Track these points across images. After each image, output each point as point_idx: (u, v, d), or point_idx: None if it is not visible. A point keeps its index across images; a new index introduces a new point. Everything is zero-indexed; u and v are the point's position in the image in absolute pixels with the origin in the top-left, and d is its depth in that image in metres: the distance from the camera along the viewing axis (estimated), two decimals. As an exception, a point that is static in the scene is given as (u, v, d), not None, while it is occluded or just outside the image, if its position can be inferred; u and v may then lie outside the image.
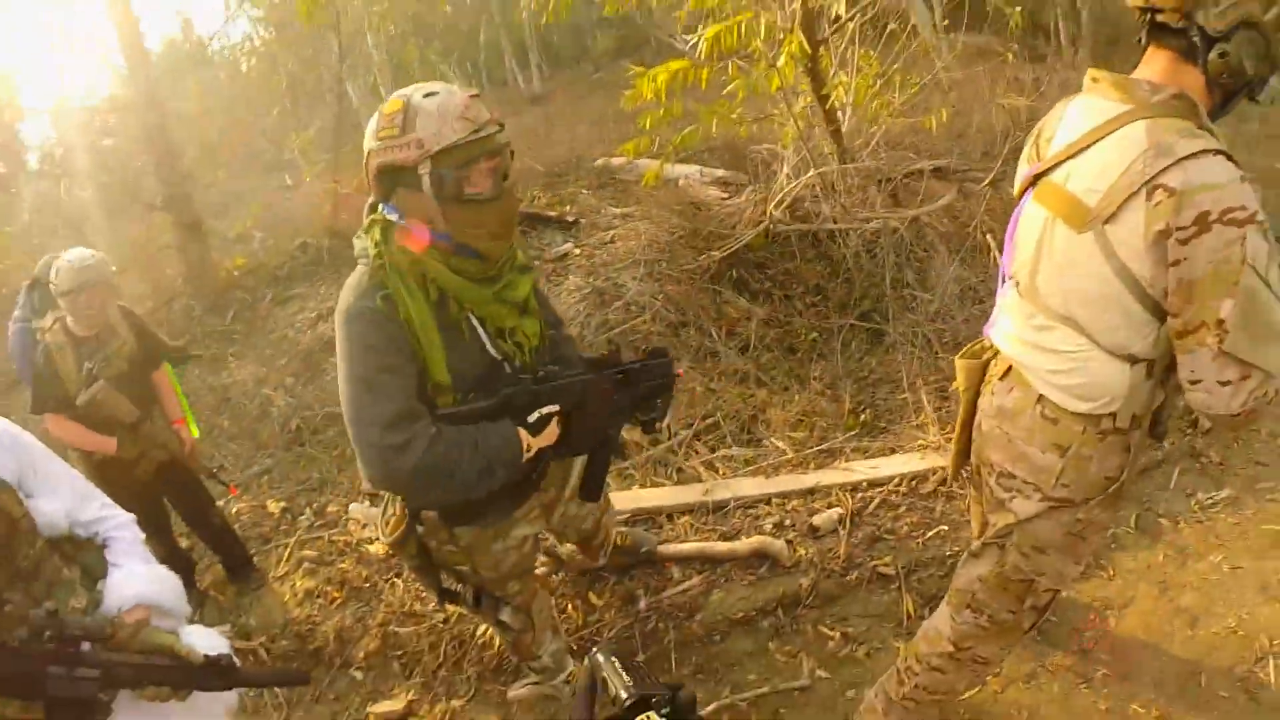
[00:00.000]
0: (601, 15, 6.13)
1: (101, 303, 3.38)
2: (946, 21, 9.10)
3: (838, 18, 4.64)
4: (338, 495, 4.66)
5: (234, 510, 4.60)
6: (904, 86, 5.53)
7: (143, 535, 2.10)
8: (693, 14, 5.27)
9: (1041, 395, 1.87)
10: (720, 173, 6.98)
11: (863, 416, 4.35)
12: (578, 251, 6.05)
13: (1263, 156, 8.25)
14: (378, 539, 3.08)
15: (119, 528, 2.04)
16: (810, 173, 5.00)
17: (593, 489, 2.45)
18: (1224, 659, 2.78)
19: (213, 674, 1.90)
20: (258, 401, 6.23)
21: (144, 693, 1.81)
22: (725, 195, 6.33)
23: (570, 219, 6.62)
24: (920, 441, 3.92)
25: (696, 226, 5.62)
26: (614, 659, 2.62)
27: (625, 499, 3.73)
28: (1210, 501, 3.49)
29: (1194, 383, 1.61)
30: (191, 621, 2.11)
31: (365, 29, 9.55)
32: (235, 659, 2.00)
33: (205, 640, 2.03)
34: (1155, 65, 1.69)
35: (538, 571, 3.20)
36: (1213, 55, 1.59)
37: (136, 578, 1.95)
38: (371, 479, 1.94)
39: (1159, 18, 1.64)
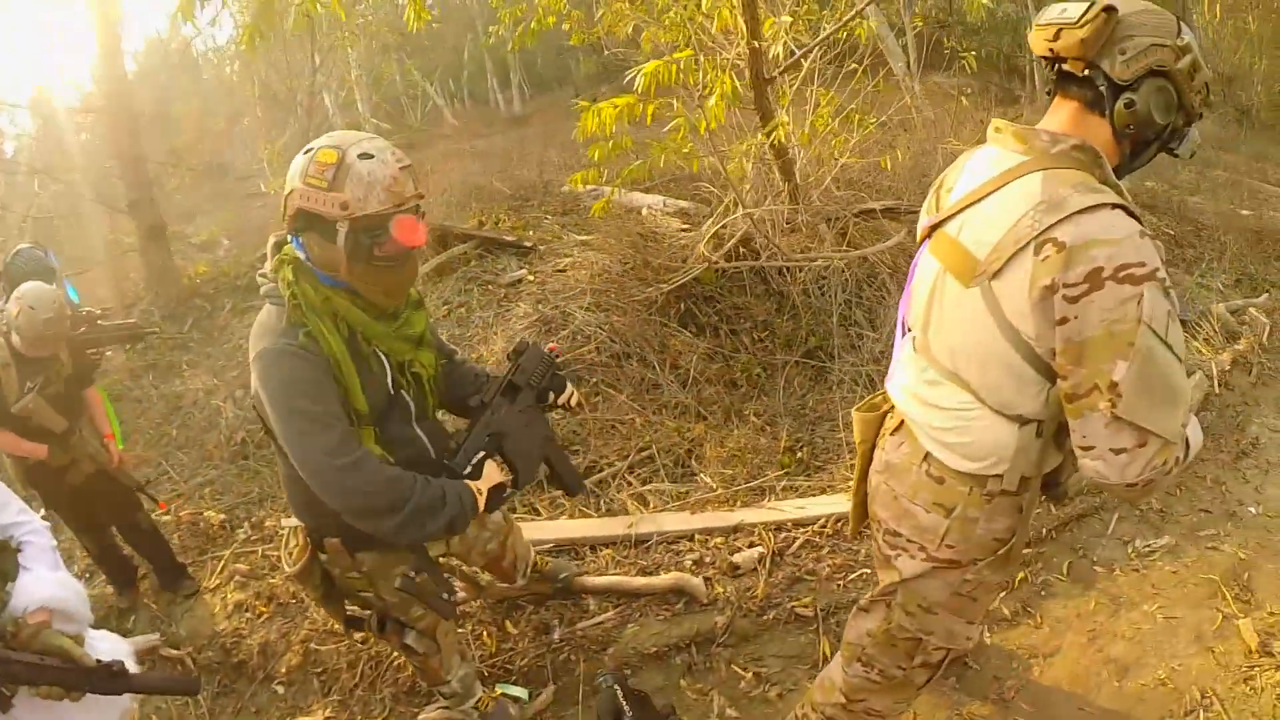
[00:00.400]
0: (586, 41, 6.17)
1: (56, 346, 3.55)
2: (902, 63, 9.18)
3: (790, 55, 4.67)
4: (276, 510, 4.64)
5: (179, 516, 4.59)
6: (862, 125, 5.57)
7: (54, 542, 2.16)
8: (656, 46, 5.36)
9: (928, 453, 1.82)
10: (683, 204, 6.99)
11: (799, 454, 4.35)
12: (531, 278, 6.05)
13: (1227, 202, 8.40)
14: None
15: (33, 534, 2.10)
16: (739, 212, 5.02)
17: (570, 485, 2.57)
18: (1151, 712, 2.76)
19: (103, 677, 1.95)
20: (207, 412, 6.21)
21: (38, 691, 1.87)
22: (686, 226, 6.34)
23: (527, 244, 6.62)
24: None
25: (647, 258, 5.63)
26: (617, 687, 2.72)
27: (549, 529, 3.75)
28: (1148, 549, 3.48)
29: (1086, 449, 1.52)
30: (124, 629, 2.14)
31: (342, 43, 9.55)
32: (135, 664, 2.10)
33: (107, 645, 2.16)
34: (1061, 115, 1.64)
35: (456, 597, 3.25)
36: (1119, 105, 1.53)
37: (43, 582, 2.00)
38: (332, 502, 1.98)
39: (1064, 66, 1.60)
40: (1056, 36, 1.56)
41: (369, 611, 2.50)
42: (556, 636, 3.21)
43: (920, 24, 6.99)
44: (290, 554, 2.33)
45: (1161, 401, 1.45)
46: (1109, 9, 1.50)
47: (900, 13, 10.89)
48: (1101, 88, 1.55)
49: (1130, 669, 2.93)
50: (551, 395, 2.53)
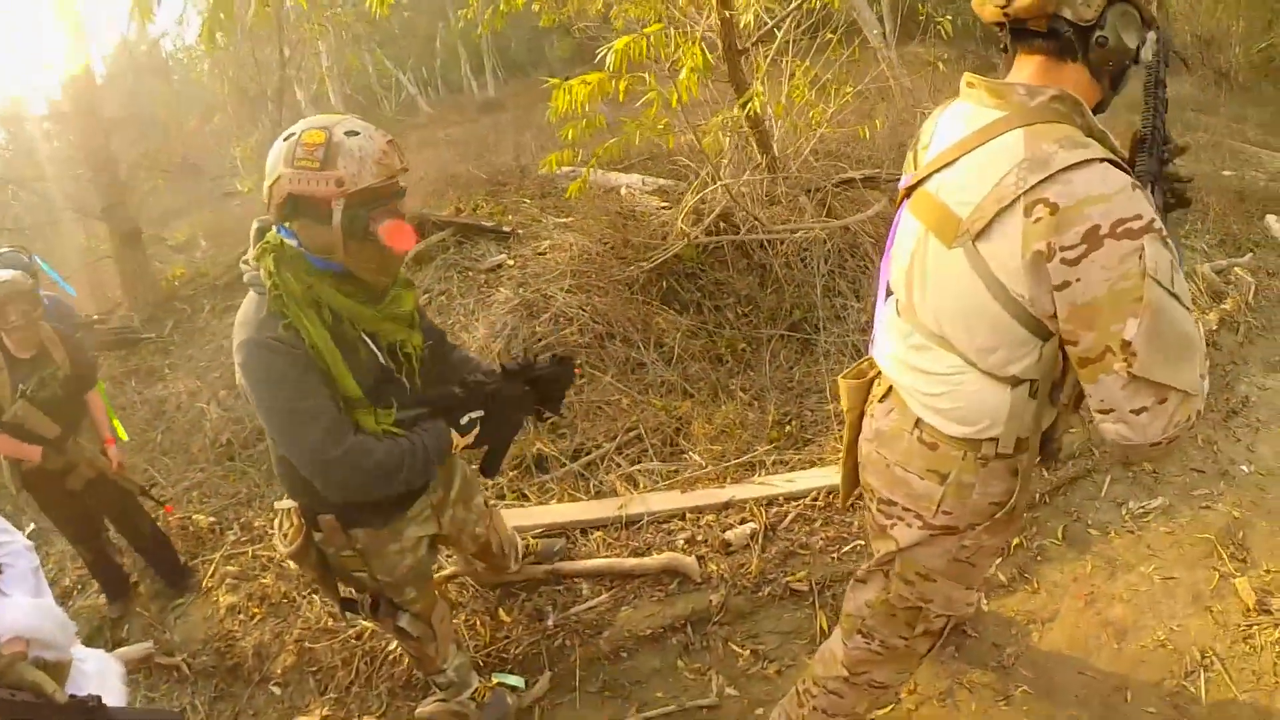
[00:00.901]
0: (558, 22, 6.09)
1: (26, 318, 3.41)
2: (877, 31, 9.11)
3: (760, 26, 4.62)
4: (265, 509, 4.60)
5: (168, 522, 4.53)
6: (839, 95, 5.52)
7: (37, 562, 2.15)
8: (629, 23, 5.29)
9: (919, 419, 1.78)
10: (662, 182, 6.92)
11: (788, 428, 4.33)
12: (511, 263, 5.99)
13: (1208, 163, 8.40)
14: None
15: (14, 555, 2.09)
16: (717, 184, 4.97)
17: (491, 467, 2.57)
18: (1152, 673, 2.75)
19: (78, 714, 1.91)
20: (191, 415, 6.14)
21: None
22: (665, 204, 6.28)
23: (506, 229, 6.56)
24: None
25: (628, 237, 5.59)
26: None
27: (537, 514, 3.71)
28: (1142, 511, 3.47)
29: (1105, 413, 1.47)
30: (118, 638, 2.08)
31: (311, 35, 9.43)
32: (124, 683, 2.14)
33: (94, 664, 2.16)
34: (1028, 70, 1.56)
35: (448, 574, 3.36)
36: (1092, 45, 1.47)
37: (19, 609, 1.97)
38: (329, 492, 2.04)
39: (1024, 26, 1.53)
40: (1009, 1, 1.50)
41: (362, 593, 2.52)
42: (551, 623, 3.19)
43: (894, -8, 6.96)
44: (285, 535, 2.35)
45: (1177, 354, 1.39)
46: None
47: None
48: (1067, 34, 1.49)
49: (1129, 631, 2.93)
50: (543, 407, 2.59)
